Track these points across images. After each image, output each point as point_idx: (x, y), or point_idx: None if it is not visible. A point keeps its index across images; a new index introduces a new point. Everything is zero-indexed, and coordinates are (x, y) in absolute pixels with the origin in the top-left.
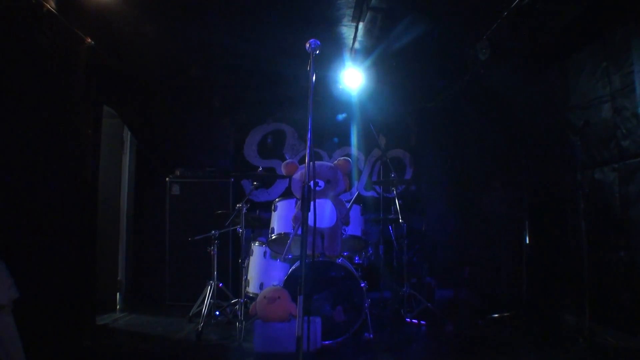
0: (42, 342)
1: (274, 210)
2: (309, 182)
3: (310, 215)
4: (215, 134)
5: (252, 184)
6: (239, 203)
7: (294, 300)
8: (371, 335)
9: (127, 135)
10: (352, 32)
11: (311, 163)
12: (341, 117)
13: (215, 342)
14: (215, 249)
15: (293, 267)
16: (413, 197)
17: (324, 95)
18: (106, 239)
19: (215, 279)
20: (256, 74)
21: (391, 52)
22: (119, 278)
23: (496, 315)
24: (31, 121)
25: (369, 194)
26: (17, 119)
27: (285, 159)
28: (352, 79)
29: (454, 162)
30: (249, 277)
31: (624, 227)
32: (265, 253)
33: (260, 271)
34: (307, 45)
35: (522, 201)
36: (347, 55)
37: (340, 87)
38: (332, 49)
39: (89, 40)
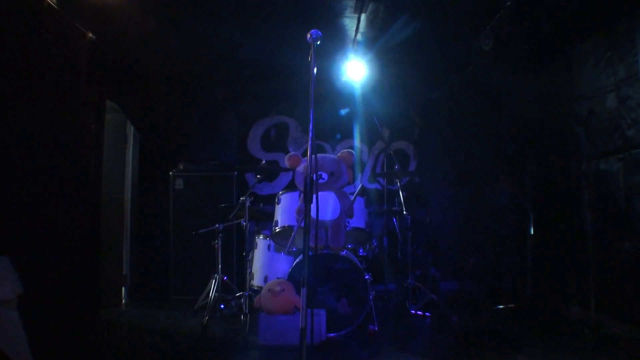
0: (47, 336)
1: (278, 203)
2: (312, 174)
3: (314, 207)
4: (219, 127)
5: (256, 177)
6: (242, 196)
7: (299, 292)
8: (376, 328)
9: (130, 129)
10: (355, 24)
11: (314, 155)
12: (344, 109)
13: (220, 335)
14: (220, 243)
15: (297, 260)
16: (417, 189)
17: (327, 88)
18: (110, 234)
19: (220, 273)
20: (259, 67)
21: (394, 44)
22: (123, 273)
23: (501, 306)
24: (34, 116)
25: (373, 186)
26: (20, 114)
27: (289, 152)
28: (355, 71)
29: (458, 153)
30: (253, 270)
31: (629, 217)
32: (269, 246)
33: (265, 264)
34: (308, 35)
35: (527, 192)
36: (349, 47)
37: (343, 79)
38: (335, 41)
39: (90, 34)
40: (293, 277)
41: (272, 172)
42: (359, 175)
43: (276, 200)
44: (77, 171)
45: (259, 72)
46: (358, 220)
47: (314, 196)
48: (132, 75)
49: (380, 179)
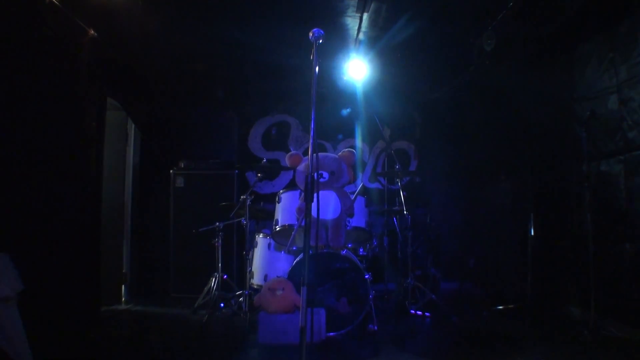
0: (47, 334)
1: (278, 202)
2: (313, 173)
3: (314, 206)
4: (220, 126)
5: (257, 176)
6: (243, 195)
7: (299, 291)
8: (375, 327)
9: (131, 127)
10: (357, 23)
11: (315, 154)
12: (346, 109)
13: (220, 333)
14: (220, 241)
15: (297, 259)
16: (417, 189)
17: (329, 87)
18: (110, 232)
19: (220, 271)
20: (260, 66)
21: (396, 43)
22: (123, 270)
23: (501, 307)
24: (34, 114)
25: (374, 185)
26: (20, 111)
27: (290, 151)
28: (357, 70)
29: (459, 153)
30: (253, 269)
31: (630, 219)
32: (269, 245)
33: (265, 263)
34: (310, 34)
35: (527, 193)
36: (351, 47)
37: (345, 78)
38: (337, 40)
39: (92, 32)
40: (293, 276)
41: (272, 170)
42: (359, 175)
43: (277, 199)
44: (77, 168)
45: (261, 71)
46: (358, 219)
47: (315, 195)
48: (134, 73)
49: (381, 179)
